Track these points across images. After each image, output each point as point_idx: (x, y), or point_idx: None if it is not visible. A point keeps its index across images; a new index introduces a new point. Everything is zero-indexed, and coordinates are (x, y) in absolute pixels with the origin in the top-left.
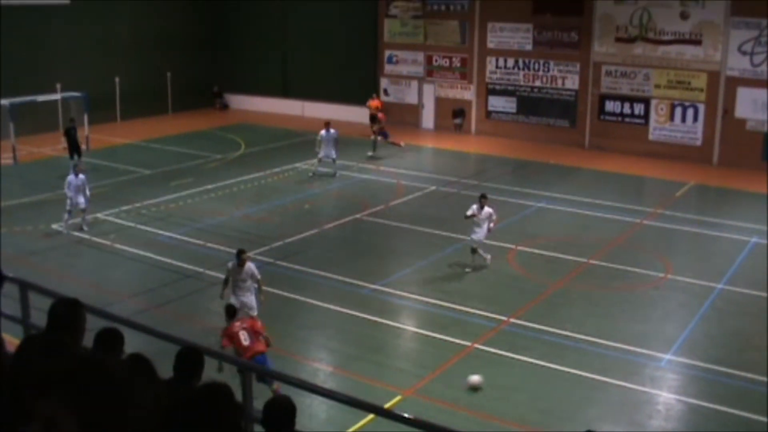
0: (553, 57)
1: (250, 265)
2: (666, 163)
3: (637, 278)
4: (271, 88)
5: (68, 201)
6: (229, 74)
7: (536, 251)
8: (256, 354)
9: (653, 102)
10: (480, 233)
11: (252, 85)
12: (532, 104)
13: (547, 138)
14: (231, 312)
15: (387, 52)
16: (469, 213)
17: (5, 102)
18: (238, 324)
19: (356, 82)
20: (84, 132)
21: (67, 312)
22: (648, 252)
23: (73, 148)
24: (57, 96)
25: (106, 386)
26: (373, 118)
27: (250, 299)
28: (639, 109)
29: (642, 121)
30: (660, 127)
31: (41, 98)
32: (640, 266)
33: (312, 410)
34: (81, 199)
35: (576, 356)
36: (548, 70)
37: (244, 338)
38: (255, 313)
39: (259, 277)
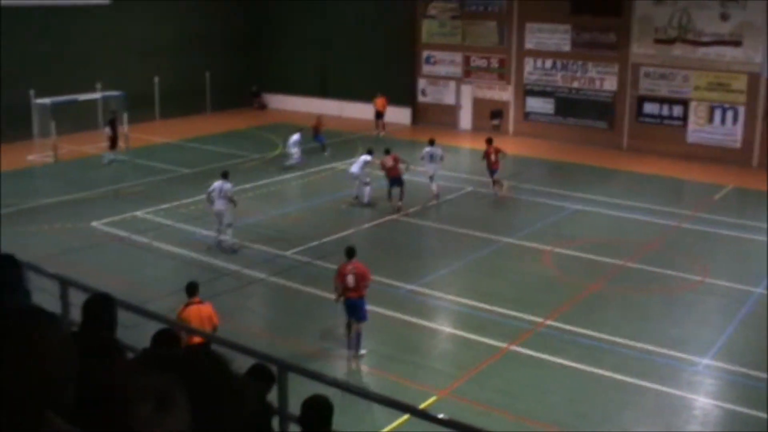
0: (591, 58)
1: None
2: (704, 165)
3: (674, 281)
4: (309, 88)
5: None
6: (268, 74)
7: (573, 253)
8: (353, 298)
9: (692, 104)
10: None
11: (290, 84)
12: (570, 106)
13: (585, 140)
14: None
15: (425, 53)
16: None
17: (47, 101)
18: (349, 266)
19: (394, 82)
20: (123, 130)
21: (100, 306)
22: (685, 255)
23: (112, 140)
24: (97, 95)
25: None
26: (379, 115)
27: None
28: (677, 111)
29: (680, 123)
30: (699, 129)
31: (82, 97)
32: (678, 269)
33: (347, 409)
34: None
35: (612, 359)
36: (586, 72)
37: (350, 281)
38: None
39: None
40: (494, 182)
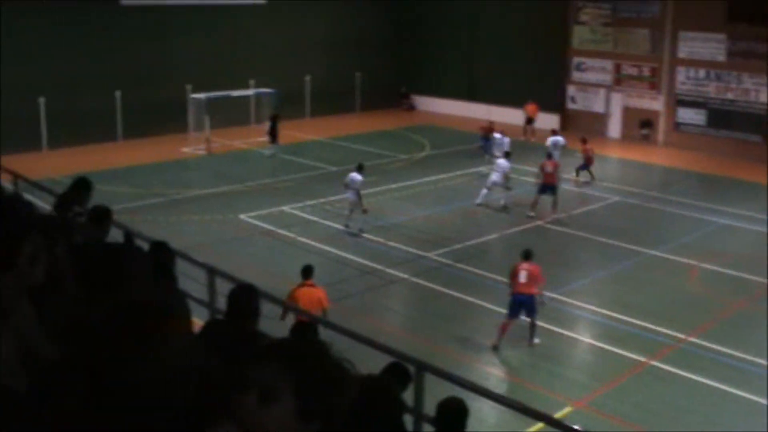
0: (746, 69)
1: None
2: None
3: None
4: (457, 91)
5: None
6: (417, 75)
7: (719, 269)
8: (524, 293)
9: None
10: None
11: (438, 86)
12: (722, 117)
13: (737, 153)
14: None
15: (575, 59)
16: None
17: (202, 96)
18: (524, 264)
19: (543, 88)
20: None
21: (245, 296)
22: None
23: (273, 134)
24: (250, 92)
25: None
26: (529, 121)
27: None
28: None
29: None
30: None
31: (235, 93)
32: None
33: (481, 414)
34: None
35: (757, 382)
36: (741, 83)
37: (522, 277)
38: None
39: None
40: (591, 175)
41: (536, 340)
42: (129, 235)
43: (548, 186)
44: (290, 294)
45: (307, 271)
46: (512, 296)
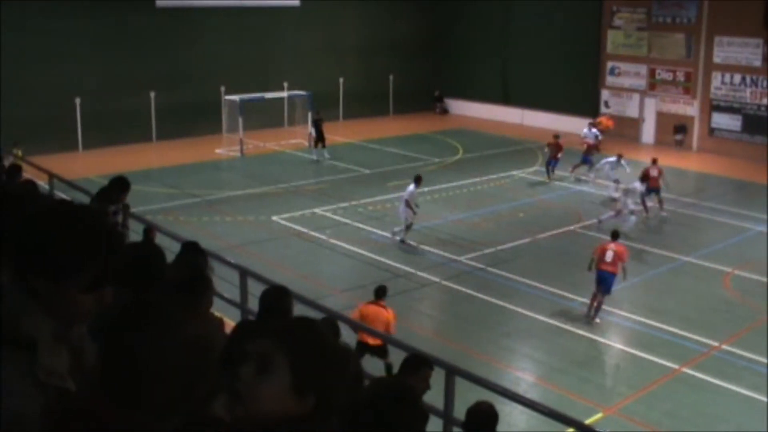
0: None
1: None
2: None
3: None
4: (492, 95)
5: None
6: (451, 79)
7: (754, 276)
8: (605, 270)
9: None
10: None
11: (472, 90)
12: (758, 123)
13: None
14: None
15: (609, 64)
16: None
17: (236, 98)
18: (612, 245)
19: (577, 92)
20: (307, 129)
21: (276, 298)
22: None
23: (319, 138)
24: (284, 94)
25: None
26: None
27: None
28: None
29: None
30: None
31: (269, 95)
32: None
33: (512, 419)
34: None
35: None
36: None
37: (608, 256)
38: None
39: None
40: (550, 172)
41: (597, 320)
42: (148, 230)
43: (654, 189)
44: (358, 309)
45: (380, 291)
46: (597, 272)
